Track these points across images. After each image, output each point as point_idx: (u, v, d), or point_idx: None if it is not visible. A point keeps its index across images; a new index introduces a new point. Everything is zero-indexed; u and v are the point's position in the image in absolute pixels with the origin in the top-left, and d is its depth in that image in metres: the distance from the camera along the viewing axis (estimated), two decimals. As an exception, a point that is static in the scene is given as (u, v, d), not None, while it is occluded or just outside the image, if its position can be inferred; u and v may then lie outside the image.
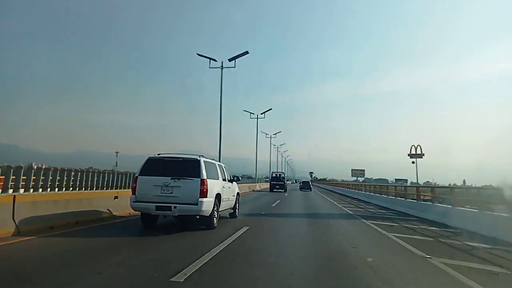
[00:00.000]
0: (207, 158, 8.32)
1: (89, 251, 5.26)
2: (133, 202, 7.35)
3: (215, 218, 7.86)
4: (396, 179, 69.36)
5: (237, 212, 10.41)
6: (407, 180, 57.63)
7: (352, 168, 78.58)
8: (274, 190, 34.53)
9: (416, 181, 42.30)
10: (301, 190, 40.20)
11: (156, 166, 7.56)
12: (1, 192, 8.73)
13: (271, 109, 41.95)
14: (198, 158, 7.73)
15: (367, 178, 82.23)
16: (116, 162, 72.69)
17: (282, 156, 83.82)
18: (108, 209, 8.75)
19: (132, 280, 3.91)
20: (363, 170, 78.85)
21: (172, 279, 3.79)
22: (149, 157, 7.79)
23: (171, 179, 7.26)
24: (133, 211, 8.15)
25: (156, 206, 7.14)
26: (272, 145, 59.70)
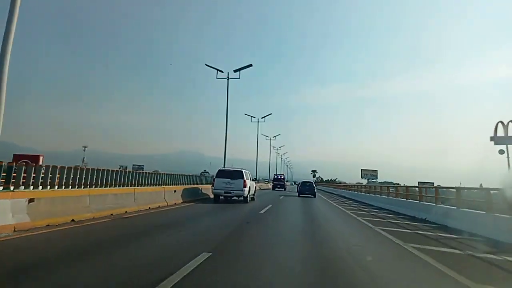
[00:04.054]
0: (245, 169, 17.78)
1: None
2: (213, 190, 16.91)
3: (248, 198, 17.38)
4: (419, 182, 57.73)
5: (254, 198, 19.96)
6: (433, 183, 48.79)
7: (362, 168, 74.57)
8: (276, 189, 44.74)
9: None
10: (299, 196, 28.35)
11: (223, 173, 17.06)
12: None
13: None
14: (242, 170, 17.22)
15: (371, 181, 76.01)
16: (83, 158, 68.66)
17: (281, 158, 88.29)
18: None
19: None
20: (376, 171, 74.41)
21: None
22: (219, 169, 17.35)
23: (231, 179, 16.72)
24: (205, 196, 17.68)
25: (224, 191, 16.67)
26: (272, 147, 64.23)
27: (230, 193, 16.70)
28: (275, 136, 60.57)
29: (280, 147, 75.62)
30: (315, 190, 29.59)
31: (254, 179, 21.91)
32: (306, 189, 29.11)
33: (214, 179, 17.12)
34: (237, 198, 17.42)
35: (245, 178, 16.92)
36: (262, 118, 45.33)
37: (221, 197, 17.17)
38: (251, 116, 44.76)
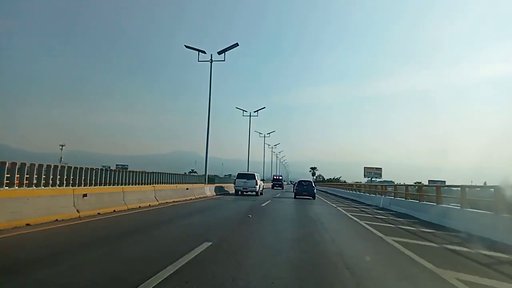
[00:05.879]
0: (256, 172, 25.74)
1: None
2: (235, 186, 24.97)
3: (259, 193, 25.39)
4: (430, 181, 55.58)
5: (262, 193, 27.79)
6: (445, 181, 47.45)
7: (365, 166, 71.70)
8: (275, 188, 51.98)
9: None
10: (295, 197, 25.66)
11: (241, 175, 25.08)
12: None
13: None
14: (254, 173, 25.28)
15: (374, 180, 69.81)
16: (61, 157, 65.21)
17: (277, 157, 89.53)
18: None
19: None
20: (380, 169, 71.70)
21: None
22: (238, 172, 25.49)
23: (247, 180, 24.65)
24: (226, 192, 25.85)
25: (242, 188, 24.68)
26: (267, 146, 63.36)
27: (246, 189, 24.70)
28: (269, 133, 58.41)
29: (276, 145, 74.32)
30: (315, 190, 26.35)
31: (262, 179, 30.20)
32: (303, 189, 26.05)
33: (235, 179, 25.08)
34: (250, 192, 25.26)
35: (256, 179, 24.91)
36: (254, 111, 43.91)
37: (239, 192, 25.05)
38: (243, 110, 43.58)
